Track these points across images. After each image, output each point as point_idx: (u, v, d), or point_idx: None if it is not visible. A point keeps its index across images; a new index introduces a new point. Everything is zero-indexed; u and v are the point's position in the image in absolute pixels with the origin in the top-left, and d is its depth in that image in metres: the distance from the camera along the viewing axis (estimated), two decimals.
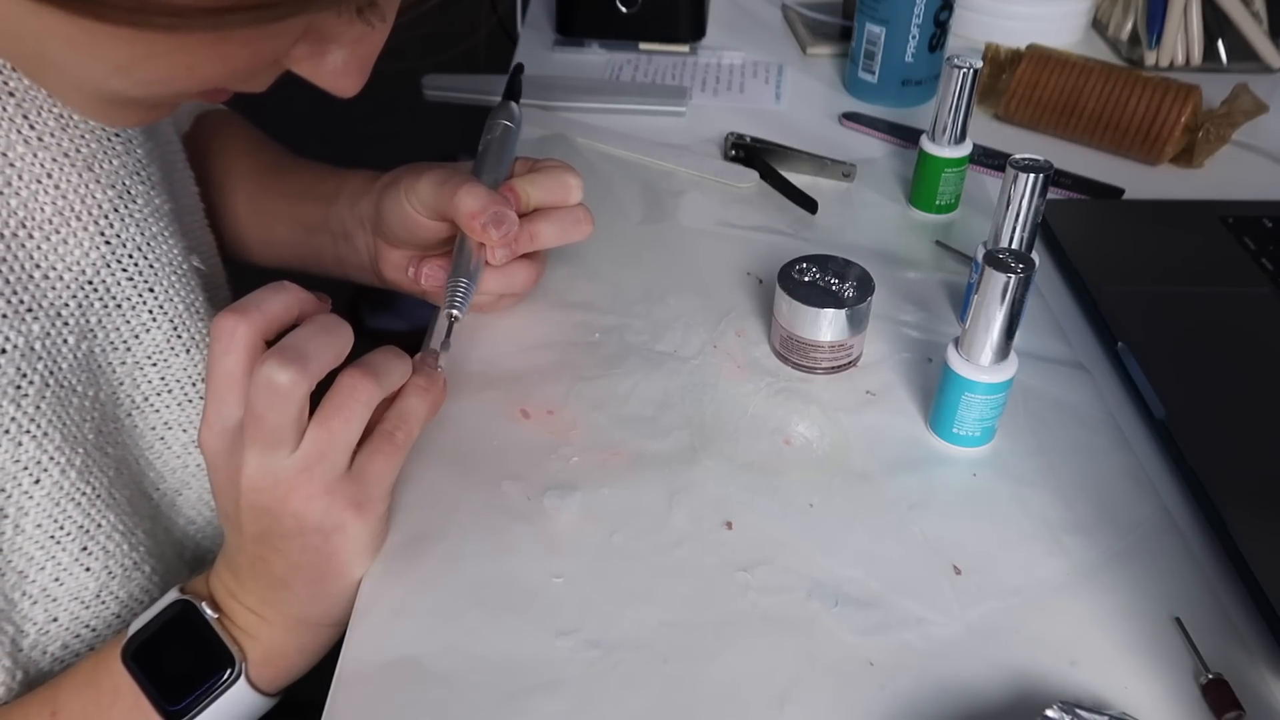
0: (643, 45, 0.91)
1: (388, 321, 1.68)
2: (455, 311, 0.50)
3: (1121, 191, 0.72)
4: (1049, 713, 0.37)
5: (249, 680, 0.44)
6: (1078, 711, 0.37)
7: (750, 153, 0.74)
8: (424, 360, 0.47)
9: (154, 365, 0.50)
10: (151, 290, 0.49)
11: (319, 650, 0.46)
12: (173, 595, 0.45)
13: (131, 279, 0.48)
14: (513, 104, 0.61)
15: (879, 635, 0.43)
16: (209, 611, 0.44)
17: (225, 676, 0.43)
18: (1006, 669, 0.42)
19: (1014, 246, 0.53)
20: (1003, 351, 0.48)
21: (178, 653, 0.43)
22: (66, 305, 0.45)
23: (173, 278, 0.50)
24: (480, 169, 0.56)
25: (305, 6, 0.33)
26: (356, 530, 0.43)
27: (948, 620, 0.44)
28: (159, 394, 0.51)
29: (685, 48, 0.91)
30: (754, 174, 0.73)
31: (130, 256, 0.48)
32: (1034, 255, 0.49)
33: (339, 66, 0.38)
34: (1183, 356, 0.56)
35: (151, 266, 0.49)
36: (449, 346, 0.49)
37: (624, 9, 0.88)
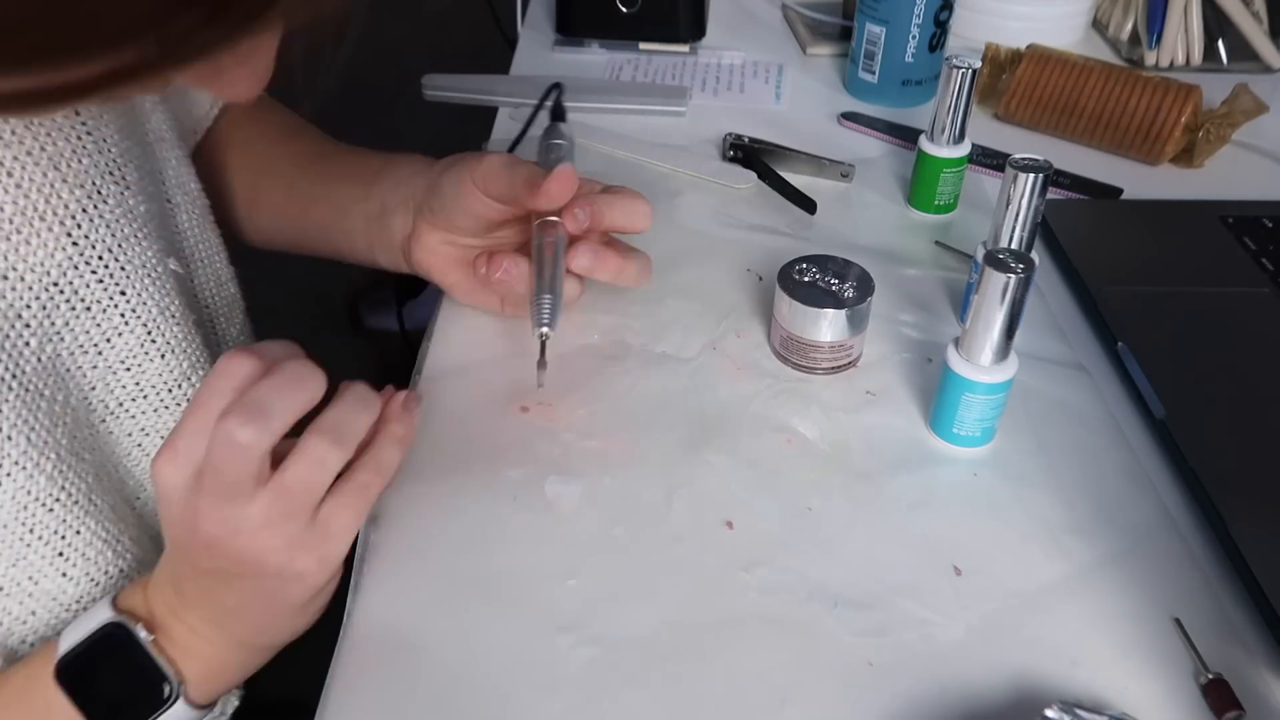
0: (643, 45, 0.91)
1: (387, 321, 1.68)
2: (545, 329, 0.50)
3: (1121, 191, 0.72)
4: (1049, 713, 0.37)
5: (187, 700, 0.43)
6: (1078, 711, 0.37)
7: (749, 153, 0.74)
8: (406, 405, 0.45)
9: (128, 370, 0.49)
10: (123, 293, 0.48)
11: (257, 667, 0.46)
12: (105, 613, 0.43)
13: (102, 281, 0.47)
14: (560, 125, 0.61)
15: (879, 636, 0.43)
16: (143, 633, 0.42)
17: (164, 699, 0.42)
18: (1006, 669, 0.42)
19: (1014, 246, 0.53)
20: (1003, 351, 0.48)
21: (112, 676, 0.42)
22: (28, 307, 0.44)
23: (146, 281, 0.49)
24: None
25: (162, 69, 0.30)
26: (315, 579, 0.41)
27: (948, 621, 0.44)
28: (134, 399, 0.50)
29: (685, 48, 0.91)
30: (752, 175, 0.73)
31: (100, 259, 0.47)
32: (1034, 255, 0.49)
33: (231, 83, 0.37)
34: (1183, 356, 0.56)
35: (123, 269, 0.48)
36: (545, 365, 0.50)
37: (624, 9, 0.88)
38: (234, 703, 0.53)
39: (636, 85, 0.86)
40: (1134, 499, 0.49)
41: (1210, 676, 0.41)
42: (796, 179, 0.72)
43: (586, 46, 0.91)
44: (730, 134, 0.76)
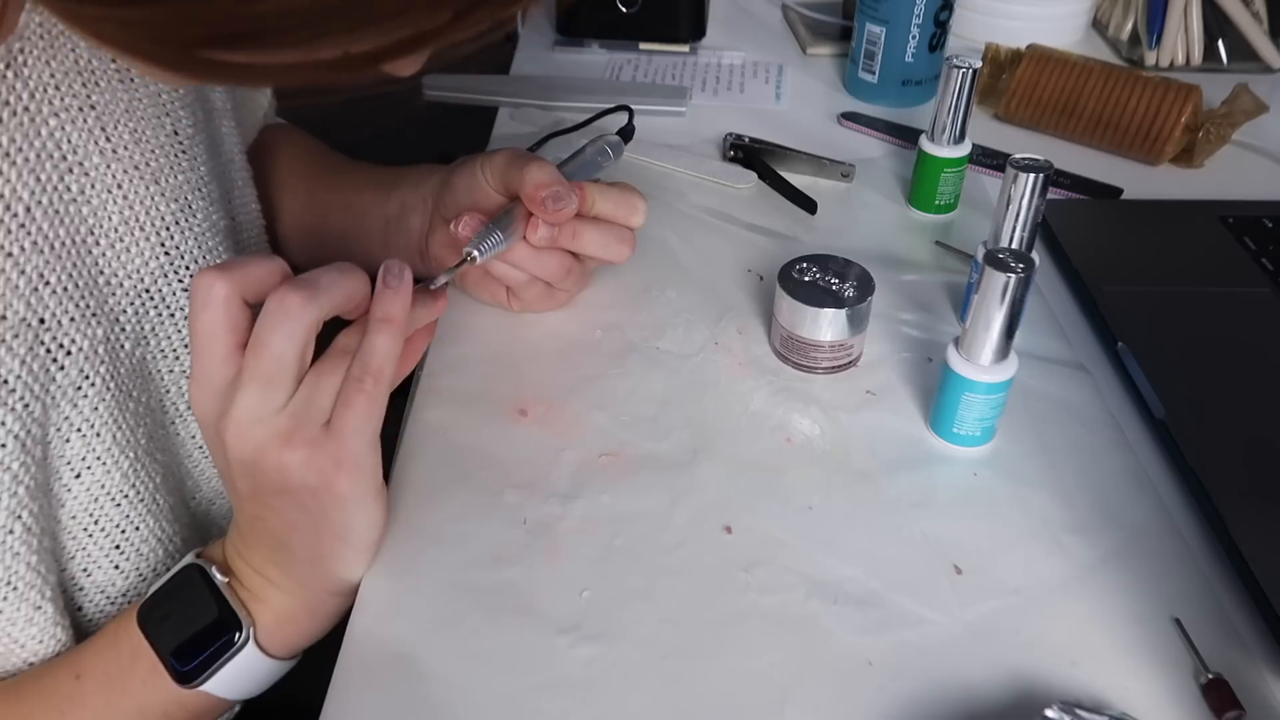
0: (643, 45, 0.91)
1: None
2: (476, 252, 0.50)
3: (1121, 191, 0.72)
4: (1049, 713, 0.37)
5: (258, 644, 0.44)
6: (1078, 711, 0.37)
7: (749, 153, 0.74)
8: (384, 280, 0.42)
9: None
10: None
11: (329, 615, 0.46)
12: (188, 559, 0.45)
13: (186, 289, 0.48)
14: (619, 139, 0.61)
15: (879, 635, 0.43)
16: (218, 576, 0.44)
17: (234, 640, 0.43)
18: (1006, 669, 0.42)
19: (1014, 246, 0.53)
20: (1003, 351, 0.48)
21: (188, 616, 0.44)
22: (125, 312, 0.46)
23: None
24: (559, 166, 0.56)
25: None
26: (345, 488, 0.41)
27: (948, 620, 0.44)
28: None
29: (685, 48, 0.91)
30: (752, 175, 0.73)
31: (187, 268, 0.49)
32: (1034, 255, 0.49)
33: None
34: (1183, 356, 0.56)
35: None
36: (452, 275, 0.48)
37: (624, 9, 0.88)
38: (236, 708, 0.53)
39: (636, 85, 0.86)
40: (1134, 499, 0.49)
41: (1210, 676, 0.41)
42: (797, 179, 0.72)
43: (586, 46, 0.91)
44: (730, 134, 0.76)
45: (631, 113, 0.67)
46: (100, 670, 0.44)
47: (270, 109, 0.70)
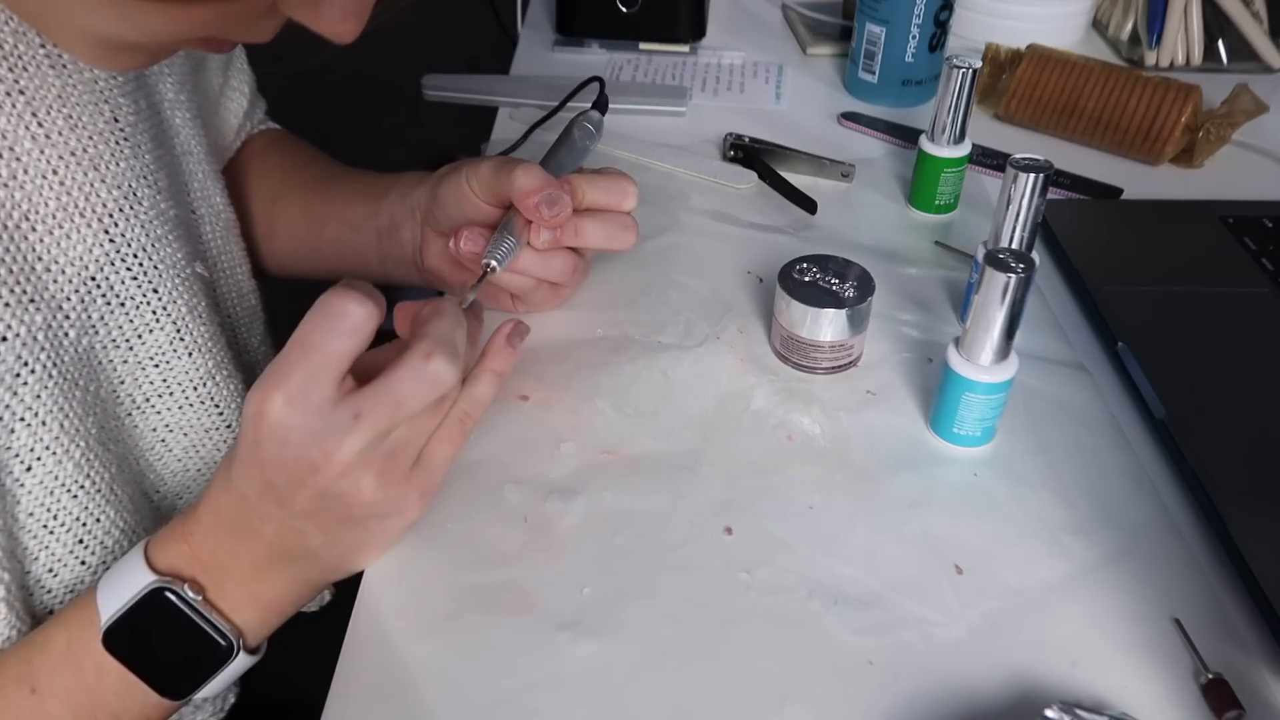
0: (643, 45, 0.91)
1: (386, 322, 1.68)
2: (494, 262, 0.51)
3: (1121, 191, 0.73)
4: (1049, 713, 0.37)
5: (246, 650, 0.44)
6: (1078, 711, 0.37)
7: (749, 153, 0.74)
8: (510, 340, 0.46)
9: (156, 366, 0.50)
10: (155, 291, 0.49)
11: (308, 602, 0.46)
12: (143, 575, 0.42)
13: (135, 278, 0.48)
14: (597, 113, 0.62)
15: (879, 635, 0.43)
16: (190, 594, 0.42)
17: (224, 659, 0.43)
18: (1006, 669, 0.42)
19: (1014, 246, 0.53)
20: (1003, 351, 0.48)
21: (165, 639, 0.42)
22: (69, 299, 0.45)
23: (176, 281, 0.50)
24: (546, 160, 0.56)
25: None
26: (413, 514, 0.44)
27: (948, 620, 0.44)
28: (160, 395, 0.51)
29: (685, 48, 0.91)
30: (752, 175, 0.73)
31: (135, 256, 0.48)
32: (1034, 255, 0.49)
33: (336, 12, 0.38)
34: (1183, 356, 0.56)
35: (156, 268, 0.49)
36: (479, 290, 0.50)
37: (624, 9, 0.88)
38: (231, 699, 0.53)
39: (636, 85, 0.86)
40: (1134, 499, 0.49)
41: (1210, 676, 0.41)
42: (797, 179, 0.72)
43: (586, 46, 0.91)
44: (730, 134, 0.76)
45: (602, 83, 0.67)
46: (60, 686, 0.42)
47: (255, 109, 0.69)
